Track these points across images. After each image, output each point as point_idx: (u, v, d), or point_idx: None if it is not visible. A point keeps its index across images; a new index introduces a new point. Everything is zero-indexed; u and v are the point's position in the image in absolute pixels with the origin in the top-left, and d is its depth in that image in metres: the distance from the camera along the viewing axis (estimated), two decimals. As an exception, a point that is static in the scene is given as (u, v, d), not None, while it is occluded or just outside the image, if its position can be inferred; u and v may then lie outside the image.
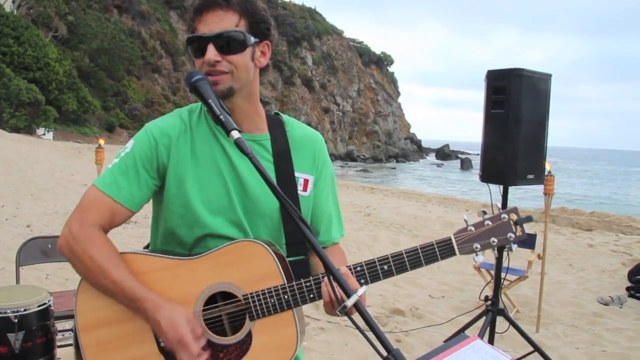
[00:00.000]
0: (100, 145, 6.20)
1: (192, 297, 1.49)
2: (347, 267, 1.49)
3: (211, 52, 1.45)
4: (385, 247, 9.19)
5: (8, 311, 2.48)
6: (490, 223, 1.50)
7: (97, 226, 1.51)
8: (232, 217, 1.55)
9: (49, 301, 2.65)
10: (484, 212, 1.52)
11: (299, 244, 1.60)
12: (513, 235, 1.50)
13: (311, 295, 1.47)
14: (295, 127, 1.70)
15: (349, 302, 1.18)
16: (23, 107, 35.81)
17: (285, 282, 1.48)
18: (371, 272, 1.47)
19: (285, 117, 1.71)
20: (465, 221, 1.51)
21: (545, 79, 3.92)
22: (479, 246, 1.49)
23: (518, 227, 1.50)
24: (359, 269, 1.48)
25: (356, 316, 1.24)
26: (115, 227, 1.57)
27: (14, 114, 35.60)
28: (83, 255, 1.48)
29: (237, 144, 1.30)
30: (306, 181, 1.65)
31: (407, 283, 6.94)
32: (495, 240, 1.49)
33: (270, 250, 1.49)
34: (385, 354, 1.15)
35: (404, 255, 1.47)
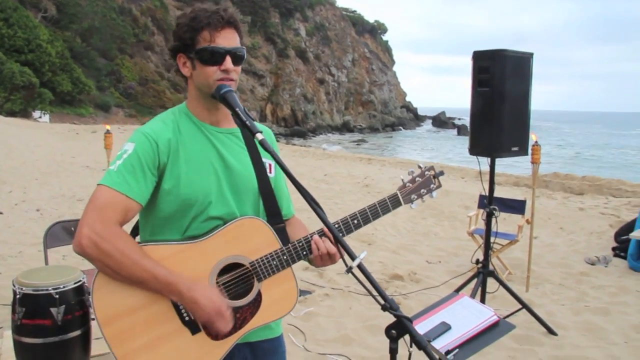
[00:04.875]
0: (108, 130, 6.43)
1: (206, 273, 1.74)
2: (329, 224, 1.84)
3: (230, 63, 1.78)
4: (384, 216, 9.53)
5: (50, 288, 2.82)
6: (420, 179, 1.99)
7: (117, 223, 1.67)
8: (222, 199, 1.81)
9: (83, 278, 2.99)
10: (413, 172, 2.00)
11: (277, 215, 1.93)
12: (434, 186, 2.00)
13: (304, 253, 1.82)
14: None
15: (354, 264, 1.49)
16: (17, 90, 35.66)
17: (282, 245, 1.82)
18: (346, 226, 1.86)
19: None
20: (402, 180, 1.99)
21: (527, 57, 4.19)
22: (415, 197, 1.98)
23: (436, 179, 2.01)
24: (336, 226, 1.85)
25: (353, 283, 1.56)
26: (127, 222, 1.73)
27: (9, 98, 35.48)
28: (114, 251, 1.62)
29: (262, 144, 1.62)
30: (270, 165, 1.96)
31: (405, 250, 7.29)
32: (425, 191, 1.99)
33: (266, 223, 1.84)
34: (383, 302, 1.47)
35: (367, 210, 1.90)
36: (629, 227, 7.22)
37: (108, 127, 6.78)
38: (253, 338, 1.85)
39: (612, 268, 6.56)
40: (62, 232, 4.17)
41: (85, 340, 2.94)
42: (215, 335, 1.74)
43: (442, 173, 2.03)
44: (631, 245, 6.66)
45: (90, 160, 16.19)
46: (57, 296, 2.82)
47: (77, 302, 2.91)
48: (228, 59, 1.77)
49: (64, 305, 2.84)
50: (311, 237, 1.82)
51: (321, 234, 1.82)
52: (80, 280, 2.96)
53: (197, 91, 1.84)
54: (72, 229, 4.20)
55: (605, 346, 4.34)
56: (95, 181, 1.76)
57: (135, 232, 1.93)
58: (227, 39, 1.77)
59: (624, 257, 6.78)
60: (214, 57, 1.76)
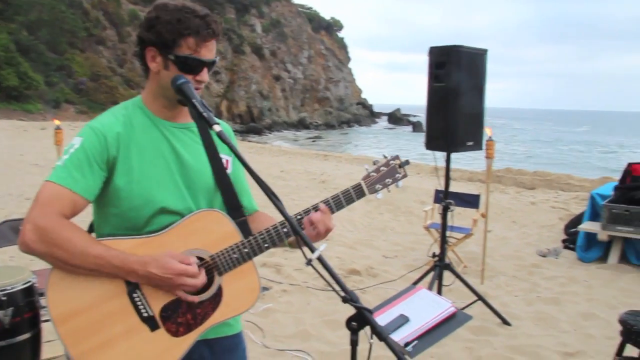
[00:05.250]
0: (58, 126, 6.22)
1: None
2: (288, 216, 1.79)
3: (207, 75, 1.75)
4: (341, 212, 9.58)
5: (-5, 290, 2.69)
6: (384, 169, 1.93)
7: (62, 215, 1.60)
8: (177, 194, 1.76)
9: (33, 279, 2.88)
10: (377, 161, 1.95)
11: (237, 208, 1.88)
12: (400, 175, 1.94)
13: (266, 245, 1.77)
14: None
15: (314, 256, 1.47)
16: (-41, 85, 34.13)
17: (243, 238, 1.77)
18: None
19: None
20: (367, 169, 1.93)
21: (481, 54, 4.26)
22: (380, 186, 1.92)
23: (402, 168, 1.95)
24: (299, 217, 1.83)
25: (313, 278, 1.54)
26: (74, 217, 1.66)
27: (-50, 92, 33.87)
28: (61, 240, 1.55)
29: (219, 135, 1.57)
30: (227, 161, 1.92)
31: (362, 245, 7.34)
32: (390, 181, 1.94)
33: (227, 215, 1.79)
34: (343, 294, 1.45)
35: (330, 200, 1.86)
36: (578, 219, 7.49)
37: (58, 122, 6.54)
38: (211, 335, 1.80)
39: (562, 259, 6.79)
40: (9, 232, 4.00)
41: (35, 343, 2.83)
42: (175, 331, 1.69)
43: (407, 162, 1.97)
44: (579, 237, 6.90)
45: (40, 157, 15.62)
46: (4, 298, 2.70)
47: (26, 303, 2.80)
48: (205, 70, 1.74)
49: (12, 307, 2.72)
50: (281, 224, 1.78)
51: (316, 208, 1.81)
52: (29, 281, 2.85)
53: (159, 89, 1.77)
54: (20, 228, 4.03)
55: (557, 334, 4.48)
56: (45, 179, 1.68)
57: (90, 230, 1.86)
58: (210, 50, 1.73)
59: (573, 249, 7.02)
60: (194, 67, 1.71)
